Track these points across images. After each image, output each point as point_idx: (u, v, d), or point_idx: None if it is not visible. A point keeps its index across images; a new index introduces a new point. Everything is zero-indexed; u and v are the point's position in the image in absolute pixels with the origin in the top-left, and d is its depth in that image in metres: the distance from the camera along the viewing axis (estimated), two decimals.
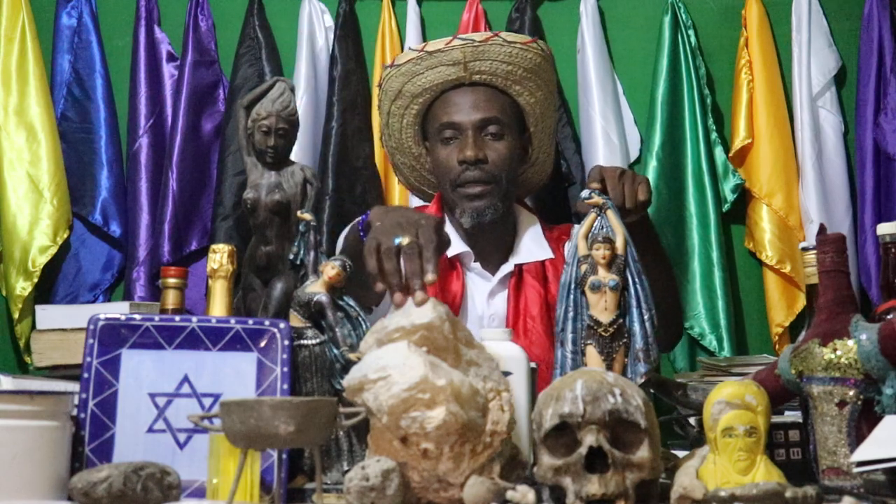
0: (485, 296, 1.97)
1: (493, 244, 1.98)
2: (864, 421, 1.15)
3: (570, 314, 1.31)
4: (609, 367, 1.27)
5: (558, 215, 2.49)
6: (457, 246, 1.98)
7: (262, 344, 1.27)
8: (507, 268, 1.97)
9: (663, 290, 1.66)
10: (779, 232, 2.75)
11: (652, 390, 1.32)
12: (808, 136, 2.76)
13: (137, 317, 1.27)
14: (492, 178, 1.92)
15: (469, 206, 1.93)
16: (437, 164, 1.98)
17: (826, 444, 1.17)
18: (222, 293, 1.39)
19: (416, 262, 1.27)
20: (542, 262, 1.97)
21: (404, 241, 1.29)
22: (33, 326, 2.18)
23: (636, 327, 1.29)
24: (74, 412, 1.20)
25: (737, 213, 2.83)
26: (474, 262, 1.99)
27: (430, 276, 1.25)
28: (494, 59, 1.92)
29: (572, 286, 1.31)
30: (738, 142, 2.78)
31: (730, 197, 2.79)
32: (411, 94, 1.97)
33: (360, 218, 1.63)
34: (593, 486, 1.01)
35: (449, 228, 2.00)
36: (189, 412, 1.16)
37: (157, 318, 1.28)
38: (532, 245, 1.99)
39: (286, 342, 1.27)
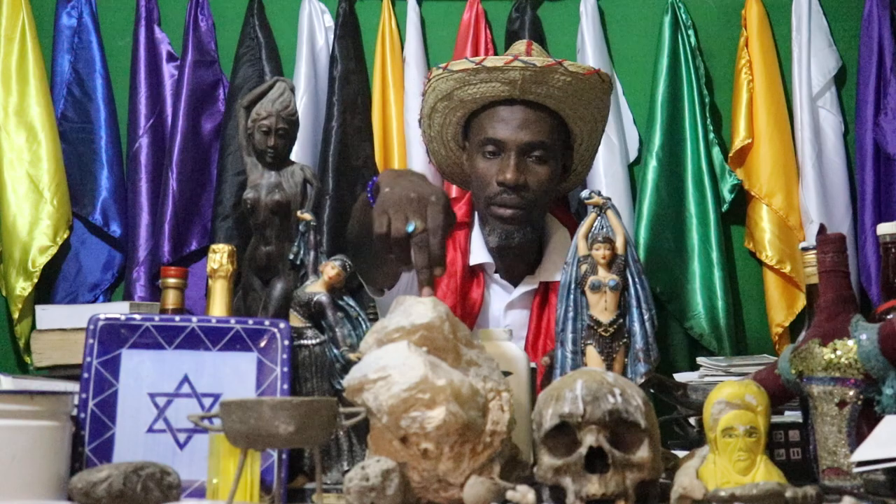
0: (503, 306, 1.95)
1: (517, 256, 1.95)
2: (864, 421, 1.15)
3: (570, 314, 1.31)
4: (609, 367, 1.27)
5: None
6: (480, 255, 1.96)
7: (262, 344, 1.27)
8: (529, 283, 1.95)
9: None
10: (779, 232, 2.75)
11: (652, 390, 1.32)
12: (808, 136, 2.76)
13: (137, 317, 1.27)
14: (527, 204, 1.88)
15: (499, 227, 1.89)
16: (475, 175, 1.94)
17: (826, 444, 1.17)
18: (222, 293, 1.38)
19: (425, 253, 1.27)
20: None
21: (417, 227, 1.29)
22: (33, 326, 2.18)
23: (636, 327, 1.29)
24: (74, 412, 1.20)
25: (737, 213, 2.83)
26: (495, 272, 1.97)
27: (438, 271, 1.25)
28: (551, 85, 1.86)
29: (572, 286, 1.31)
30: (738, 142, 2.78)
31: (727, 197, 2.79)
32: (460, 100, 1.92)
33: (369, 183, 1.54)
34: (593, 486, 1.01)
35: (476, 236, 1.99)
36: (189, 412, 1.16)
37: (157, 318, 1.28)
38: (560, 262, 1.96)
39: (286, 342, 1.27)
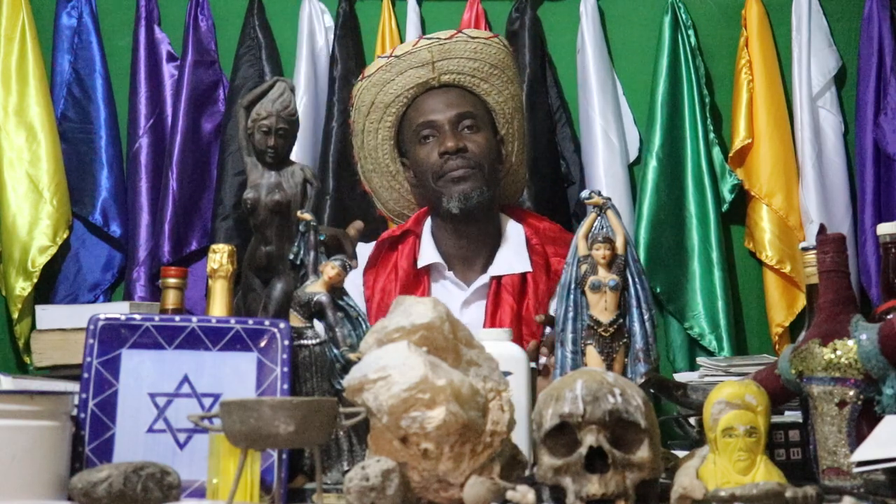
0: (458, 305, 1.96)
1: (471, 253, 1.98)
2: (864, 421, 1.14)
3: (570, 314, 1.31)
4: (609, 367, 1.27)
5: (558, 216, 2.49)
6: (429, 256, 1.98)
7: (262, 344, 1.27)
8: (482, 279, 1.97)
9: None
10: (779, 232, 2.75)
11: (652, 390, 1.31)
12: (808, 136, 2.76)
13: (137, 317, 1.26)
14: (474, 164, 1.94)
15: (455, 189, 1.92)
16: (418, 164, 1.98)
17: (826, 444, 1.17)
18: (222, 293, 1.38)
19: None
20: (523, 275, 1.96)
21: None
22: (33, 326, 2.18)
23: (636, 327, 1.29)
24: (74, 412, 1.20)
25: (737, 213, 2.83)
26: (448, 271, 1.99)
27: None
28: (461, 56, 1.96)
29: (572, 286, 1.31)
30: (738, 142, 2.78)
31: (728, 197, 2.79)
32: (384, 105, 1.99)
33: None
34: (593, 486, 1.01)
35: (426, 241, 2.01)
36: (189, 412, 1.16)
37: (157, 318, 1.28)
38: (512, 257, 1.97)
39: (286, 342, 1.27)
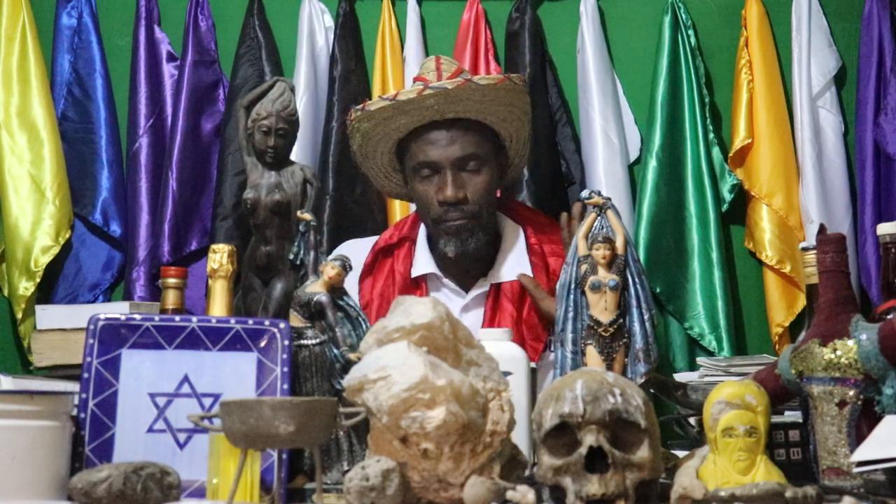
0: (457, 311, 1.95)
1: (469, 260, 1.96)
2: (864, 421, 1.15)
3: (570, 314, 1.31)
4: (609, 367, 1.27)
5: (559, 215, 2.49)
6: (424, 266, 1.98)
7: (262, 344, 1.27)
8: (482, 286, 1.96)
9: None
10: (779, 232, 2.74)
11: (652, 390, 1.32)
12: (808, 136, 2.76)
13: (137, 317, 1.27)
14: (473, 215, 1.91)
15: (453, 238, 1.91)
16: (417, 199, 1.97)
17: (826, 444, 1.17)
18: (222, 293, 1.39)
19: None
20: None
21: None
22: (36, 326, 2.18)
23: (636, 327, 1.29)
24: (74, 412, 1.20)
25: (737, 213, 2.83)
26: (445, 279, 1.99)
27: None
28: (468, 99, 1.88)
29: (572, 286, 1.31)
30: (738, 142, 2.78)
31: (727, 197, 2.79)
32: (385, 133, 1.94)
33: None
34: (593, 486, 1.01)
35: (421, 248, 2.00)
36: (189, 412, 1.16)
37: (157, 318, 1.28)
38: (512, 262, 1.97)
39: (286, 342, 1.27)
